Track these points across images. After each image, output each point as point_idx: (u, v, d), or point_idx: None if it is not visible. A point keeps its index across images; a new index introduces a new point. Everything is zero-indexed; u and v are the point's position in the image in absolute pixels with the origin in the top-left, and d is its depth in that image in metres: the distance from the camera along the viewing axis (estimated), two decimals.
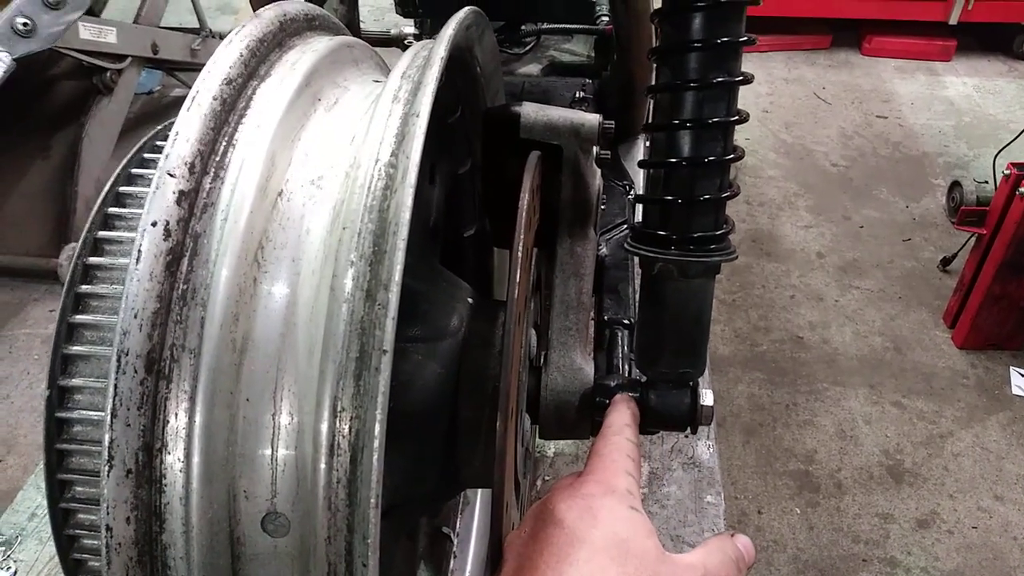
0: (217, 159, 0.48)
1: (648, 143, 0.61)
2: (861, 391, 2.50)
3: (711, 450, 1.00)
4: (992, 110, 3.83)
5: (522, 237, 0.58)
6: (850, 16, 4.14)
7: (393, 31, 1.41)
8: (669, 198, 0.59)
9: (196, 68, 3.57)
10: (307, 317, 0.46)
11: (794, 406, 2.46)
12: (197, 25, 3.57)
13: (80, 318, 0.52)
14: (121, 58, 2.99)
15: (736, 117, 0.58)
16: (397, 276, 0.42)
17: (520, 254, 0.56)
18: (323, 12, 0.65)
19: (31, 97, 2.94)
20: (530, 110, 0.69)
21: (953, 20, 4.01)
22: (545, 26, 1.21)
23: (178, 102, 2.98)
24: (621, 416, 0.61)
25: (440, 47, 0.50)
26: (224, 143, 0.48)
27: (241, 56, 0.52)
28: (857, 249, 3.03)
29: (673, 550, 0.93)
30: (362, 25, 1.37)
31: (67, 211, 2.81)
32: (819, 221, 3.17)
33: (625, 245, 0.61)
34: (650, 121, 0.59)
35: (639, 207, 0.63)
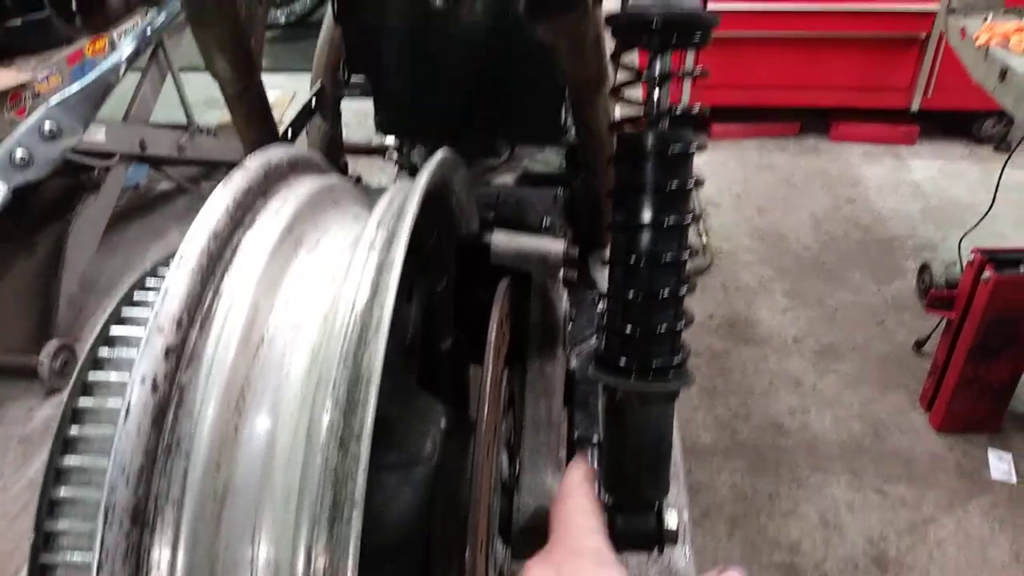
0: (204, 310, 0.51)
1: (608, 276, 0.65)
2: (843, 478, 2.51)
3: (687, 557, 1.02)
4: (956, 192, 3.96)
5: (491, 368, 0.61)
6: (817, 105, 4.31)
7: (375, 141, 1.47)
8: (627, 330, 0.62)
9: (183, 162, 3.65)
10: (284, 462, 0.49)
11: (777, 495, 2.46)
12: (184, 120, 3.66)
13: (68, 462, 0.54)
14: (109, 156, 3.05)
15: (687, 254, 0.62)
16: (368, 427, 0.45)
17: (488, 388, 0.59)
18: (305, 155, 0.70)
19: (18, 195, 3.00)
20: (500, 239, 0.73)
21: (915, 107, 4.18)
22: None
23: (164, 197, 3.04)
24: (575, 475, 0.62)
25: (413, 198, 0.55)
26: (211, 295, 0.52)
27: (227, 208, 0.56)
28: (832, 332, 3.09)
29: None
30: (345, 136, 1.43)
31: (50, 308, 2.82)
32: (794, 305, 3.24)
33: (588, 372, 0.65)
34: (608, 257, 0.63)
35: (599, 330, 0.66)
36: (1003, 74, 2.40)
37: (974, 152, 4.30)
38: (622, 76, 0.63)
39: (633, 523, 0.65)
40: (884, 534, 2.33)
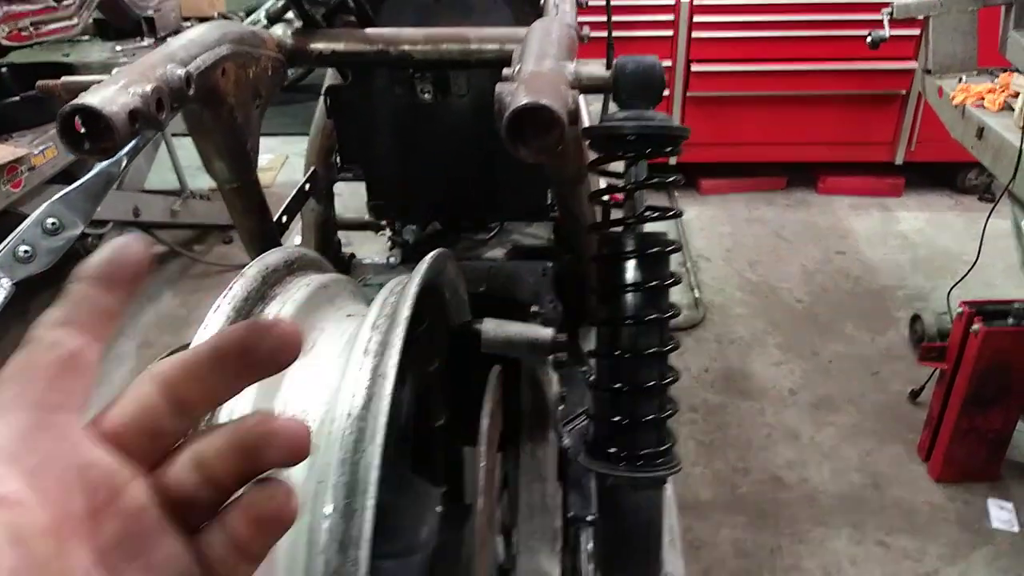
0: (207, 420, 0.53)
1: (595, 367, 0.68)
2: (844, 531, 2.50)
3: None
4: (944, 242, 4.02)
5: (485, 452, 0.63)
6: (804, 160, 4.40)
7: (367, 216, 1.51)
8: (616, 419, 0.65)
9: (175, 226, 3.70)
10: (287, 564, 0.51)
11: (779, 550, 2.45)
12: (177, 184, 3.73)
13: None
14: (103, 223, 3.10)
15: (670, 346, 0.65)
16: (367, 533, 0.47)
17: (483, 477, 0.61)
18: (301, 253, 0.73)
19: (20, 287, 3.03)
20: (490, 327, 0.76)
21: (899, 160, 4.27)
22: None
23: (157, 261, 3.06)
24: None
25: (404, 306, 0.58)
26: None
27: (228, 317, 0.59)
28: (828, 384, 3.10)
29: None
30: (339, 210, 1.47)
31: None
32: (789, 357, 3.26)
33: (579, 460, 0.67)
34: (594, 349, 0.67)
35: (589, 419, 0.69)
36: (980, 132, 2.47)
37: (959, 202, 4.38)
38: (602, 182, 0.67)
39: None
40: None
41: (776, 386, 3.11)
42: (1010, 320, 2.35)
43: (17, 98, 2.68)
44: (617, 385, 0.64)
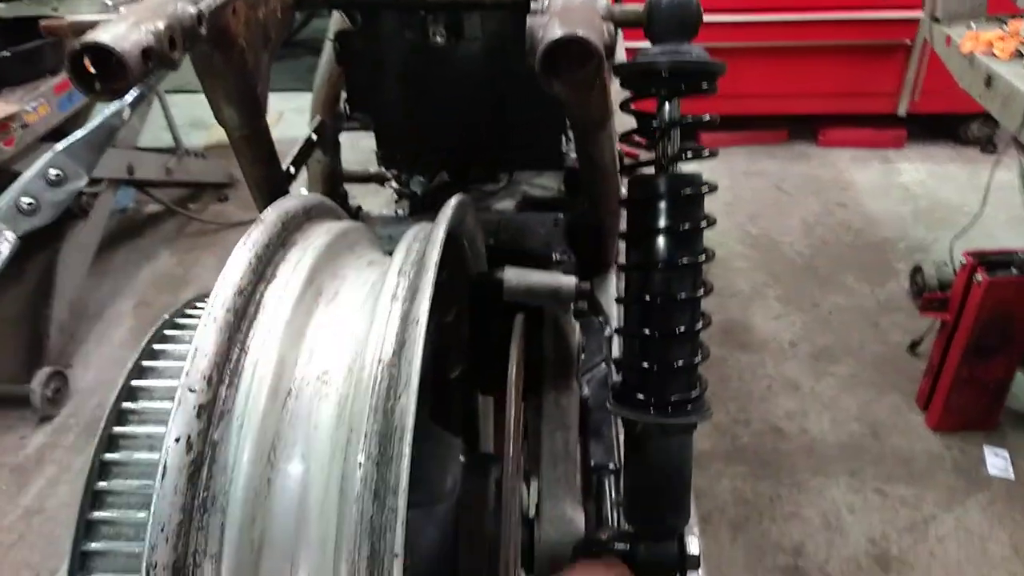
0: (232, 366, 0.52)
1: (624, 312, 0.66)
2: (843, 479, 2.52)
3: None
4: (945, 194, 4.00)
5: (514, 401, 0.62)
6: (805, 112, 4.34)
7: (372, 169, 1.48)
8: (646, 365, 0.64)
9: (171, 185, 3.65)
10: (318, 513, 0.50)
11: (778, 498, 2.47)
12: (171, 141, 3.67)
13: (98, 515, 0.55)
14: (97, 182, 3.05)
15: (702, 292, 0.64)
16: (404, 482, 0.46)
17: (512, 426, 0.60)
18: (319, 200, 0.71)
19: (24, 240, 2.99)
20: (512, 276, 0.74)
21: (902, 112, 4.22)
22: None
23: (152, 219, 3.02)
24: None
25: (434, 251, 0.56)
26: (237, 350, 0.53)
27: (250, 263, 0.57)
28: (827, 336, 3.11)
29: None
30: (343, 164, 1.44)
31: (40, 336, 2.81)
32: (789, 310, 3.26)
33: (608, 406, 0.66)
34: (623, 295, 0.65)
35: (618, 348, 0.68)
36: (988, 81, 2.43)
37: (961, 154, 4.34)
38: (633, 122, 0.65)
39: (656, 551, 0.67)
40: (885, 533, 2.34)
41: (776, 338, 3.11)
42: (1013, 270, 2.35)
43: (7, 53, 2.61)
44: (648, 331, 0.63)
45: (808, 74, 4.13)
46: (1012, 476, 2.52)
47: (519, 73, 1.09)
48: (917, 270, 3.20)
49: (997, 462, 2.58)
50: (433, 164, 1.22)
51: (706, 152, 0.64)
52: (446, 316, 0.92)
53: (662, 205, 0.62)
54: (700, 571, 1.09)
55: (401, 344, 0.52)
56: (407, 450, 0.47)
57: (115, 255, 3.63)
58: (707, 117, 0.64)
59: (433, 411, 0.85)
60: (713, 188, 0.64)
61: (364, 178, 1.47)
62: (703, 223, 0.64)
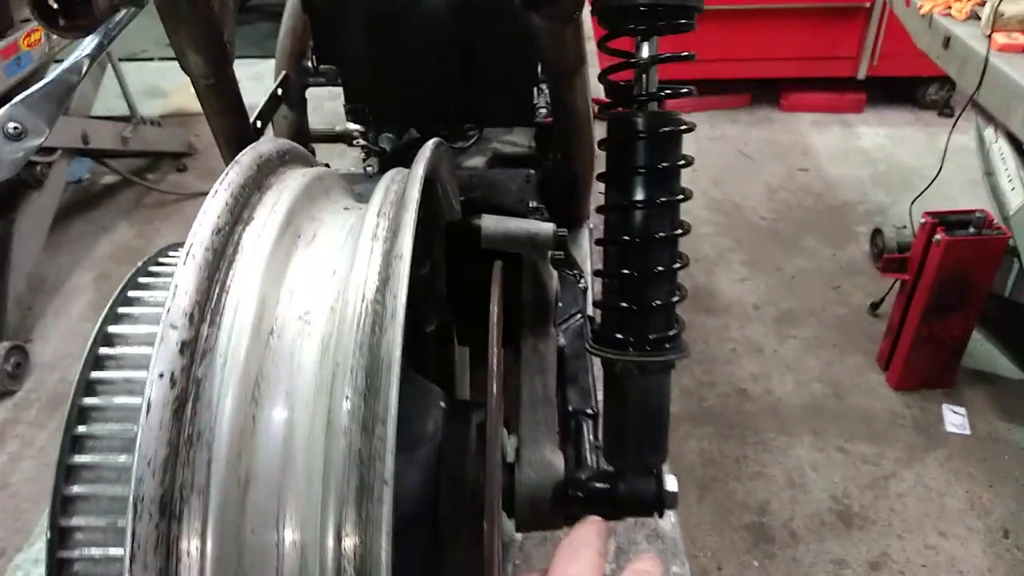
0: (212, 306, 0.51)
1: (603, 254, 0.67)
2: (806, 439, 2.59)
3: (673, 521, 1.05)
4: (904, 157, 4.07)
5: (495, 351, 0.62)
6: (767, 76, 4.37)
7: (339, 128, 1.47)
8: (624, 305, 0.64)
9: (127, 155, 3.56)
10: (305, 448, 0.50)
11: (744, 458, 2.53)
12: (127, 111, 3.58)
13: (78, 459, 0.54)
14: (51, 151, 2.97)
15: (680, 231, 0.65)
16: (393, 410, 0.46)
17: (494, 368, 0.60)
18: (291, 145, 0.70)
19: None
20: (490, 223, 0.74)
21: (861, 75, 4.28)
22: None
23: (109, 190, 2.96)
24: (590, 530, 0.63)
25: (414, 189, 0.56)
26: (218, 290, 0.52)
27: (227, 204, 0.56)
28: (791, 299, 3.16)
29: None
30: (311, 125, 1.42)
31: None
32: (753, 273, 3.31)
33: (587, 347, 0.67)
34: (603, 236, 0.65)
35: (596, 307, 0.68)
36: (947, 42, 2.47)
37: (919, 118, 4.42)
38: (610, 61, 0.65)
39: (635, 489, 0.68)
40: (847, 491, 2.41)
41: (740, 302, 3.16)
42: (971, 229, 2.40)
43: None
44: (626, 270, 0.63)
45: (770, 38, 4.17)
46: (968, 432, 2.61)
47: (489, 23, 1.09)
48: (877, 233, 3.26)
49: (955, 419, 2.66)
50: (402, 119, 1.21)
51: (684, 89, 0.64)
52: (421, 269, 0.91)
53: (640, 144, 0.62)
54: (671, 516, 1.11)
55: (384, 280, 0.51)
56: (395, 380, 0.47)
57: (71, 227, 3.55)
58: (686, 53, 0.64)
59: (411, 362, 0.85)
60: (691, 127, 0.64)
61: (331, 137, 1.45)
62: (681, 162, 0.64)
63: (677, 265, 0.64)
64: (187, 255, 0.51)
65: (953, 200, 3.49)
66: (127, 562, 0.44)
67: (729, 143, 4.26)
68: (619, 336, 0.65)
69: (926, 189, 2.86)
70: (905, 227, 3.06)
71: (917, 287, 2.55)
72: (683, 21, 0.62)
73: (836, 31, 4.15)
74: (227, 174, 0.58)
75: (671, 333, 0.65)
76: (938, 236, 2.41)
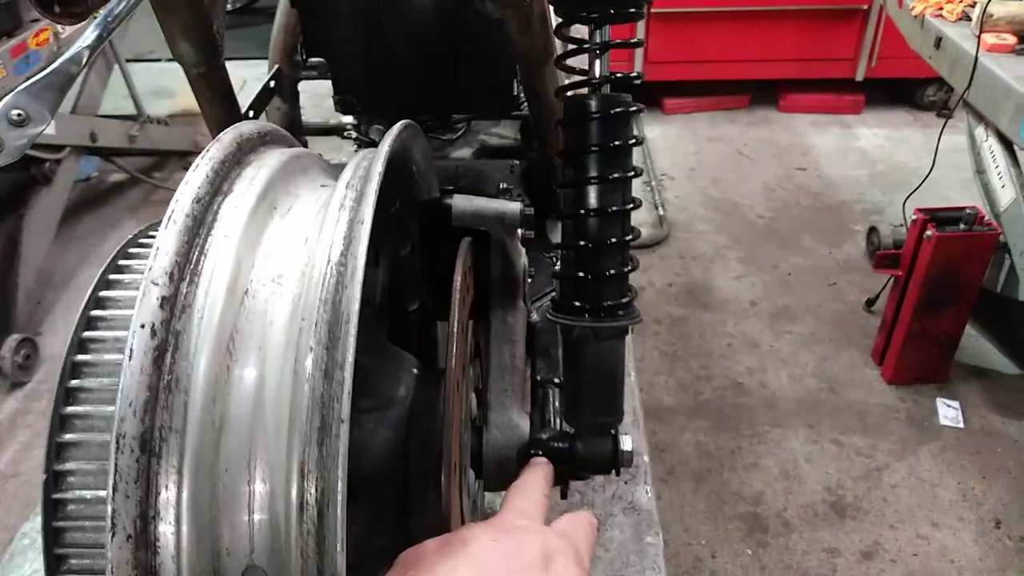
0: (192, 267, 0.56)
1: (560, 227, 0.71)
2: (801, 431, 2.62)
3: (648, 494, 1.10)
4: (902, 158, 4.10)
5: (457, 313, 0.67)
6: (766, 77, 4.41)
7: (332, 121, 1.52)
8: (580, 274, 0.69)
9: (135, 153, 3.63)
10: (274, 396, 0.55)
11: (739, 450, 2.56)
12: (134, 111, 3.64)
13: (71, 410, 0.59)
14: (60, 148, 3.04)
15: (631, 205, 0.69)
16: (350, 357, 0.51)
17: (456, 328, 0.65)
18: (273, 127, 0.75)
19: None
20: (460, 202, 0.79)
21: (859, 77, 4.31)
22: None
23: (117, 188, 3.03)
24: (538, 472, 0.68)
25: (378, 163, 0.60)
26: (197, 253, 0.57)
27: (207, 176, 0.61)
28: (787, 296, 3.20)
29: None
30: (304, 118, 1.47)
31: (7, 304, 2.81)
32: (750, 271, 3.34)
33: (547, 315, 0.71)
34: (560, 210, 0.70)
35: (554, 277, 0.73)
36: (938, 42, 2.50)
37: (918, 119, 4.45)
38: (566, 48, 0.70)
39: (592, 448, 0.72)
40: (841, 482, 2.44)
41: (737, 298, 3.20)
42: (961, 226, 2.44)
43: None
44: (582, 242, 0.68)
45: (770, 39, 4.20)
46: (962, 425, 2.63)
47: (472, 19, 1.14)
48: (873, 231, 3.30)
49: (949, 412, 2.69)
50: (389, 110, 1.26)
51: (634, 74, 0.69)
52: (402, 250, 0.96)
53: (593, 124, 0.67)
54: (648, 490, 1.16)
55: (347, 244, 0.56)
56: (352, 331, 0.51)
57: (80, 224, 3.62)
58: (635, 40, 0.68)
59: (391, 335, 0.90)
60: (640, 110, 0.69)
61: (324, 130, 1.50)
62: (632, 141, 0.68)
63: (629, 237, 0.69)
64: (169, 220, 0.56)
65: (949, 199, 3.52)
66: (110, 491, 0.49)
67: (728, 143, 4.30)
68: (576, 304, 0.70)
69: (919, 187, 2.89)
70: (901, 225, 3.09)
71: (909, 283, 2.58)
72: (632, 10, 0.66)
73: (834, 33, 4.19)
74: (208, 150, 0.63)
75: (624, 300, 0.70)
76: (929, 232, 2.45)
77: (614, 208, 0.67)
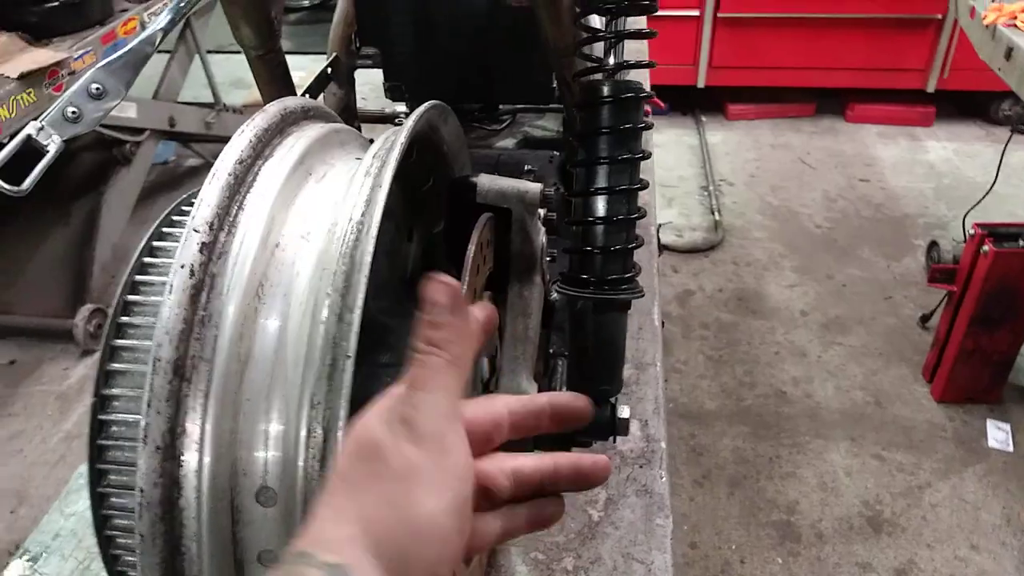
0: (231, 219, 0.63)
1: (571, 205, 0.76)
2: (843, 444, 2.60)
3: (663, 478, 1.14)
4: (971, 172, 4.00)
5: (468, 278, 0.73)
6: (833, 85, 4.35)
7: (387, 110, 1.60)
8: (587, 249, 0.74)
9: (210, 139, 3.80)
10: (295, 338, 0.61)
11: (777, 459, 2.56)
12: (212, 99, 3.81)
13: (120, 342, 0.67)
14: (140, 131, 3.21)
15: (638, 185, 0.74)
16: (359, 301, 0.57)
17: (465, 291, 0.70)
18: (317, 104, 0.82)
19: (54, 167, 3.14)
20: (485, 180, 0.85)
21: (931, 88, 4.21)
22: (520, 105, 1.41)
23: (192, 172, 3.20)
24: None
25: (401, 135, 0.67)
26: (236, 207, 0.64)
27: (250, 142, 0.68)
28: (840, 307, 3.17)
29: (624, 567, 1.05)
30: (361, 104, 1.55)
31: (84, 275, 2.99)
32: (803, 280, 3.32)
33: (555, 287, 0.76)
34: (572, 189, 0.75)
35: (564, 251, 0.78)
36: (1008, 53, 2.45)
37: (990, 133, 4.33)
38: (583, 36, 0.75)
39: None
40: (880, 497, 2.42)
41: (788, 307, 3.18)
42: (1021, 242, 2.39)
43: (56, 3, 2.77)
44: (589, 219, 0.73)
45: (838, 47, 4.14)
46: (1011, 449, 2.57)
47: (514, 14, 1.20)
48: (933, 245, 3.23)
49: (998, 435, 2.63)
50: (436, 98, 1.32)
51: (644, 61, 0.74)
52: (435, 227, 1.02)
53: (605, 107, 0.72)
54: (662, 475, 1.19)
55: (367, 205, 0.62)
56: (363, 279, 0.57)
57: (155, 205, 3.80)
58: (647, 30, 0.73)
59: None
60: (650, 95, 0.73)
61: (379, 118, 1.58)
62: (642, 125, 0.73)
63: (635, 215, 0.74)
64: (213, 176, 0.63)
65: (1016, 216, 3.44)
66: (144, 407, 0.56)
67: (790, 151, 4.26)
68: (582, 276, 0.75)
69: (980, 201, 2.84)
70: (964, 241, 3.03)
71: (964, 298, 2.54)
72: (647, 3, 0.71)
73: (906, 42, 4.10)
74: (254, 119, 0.70)
75: (627, 275, 0.74)
76: (986, 247, 2.40)
77: (622, 187, 0.72)
